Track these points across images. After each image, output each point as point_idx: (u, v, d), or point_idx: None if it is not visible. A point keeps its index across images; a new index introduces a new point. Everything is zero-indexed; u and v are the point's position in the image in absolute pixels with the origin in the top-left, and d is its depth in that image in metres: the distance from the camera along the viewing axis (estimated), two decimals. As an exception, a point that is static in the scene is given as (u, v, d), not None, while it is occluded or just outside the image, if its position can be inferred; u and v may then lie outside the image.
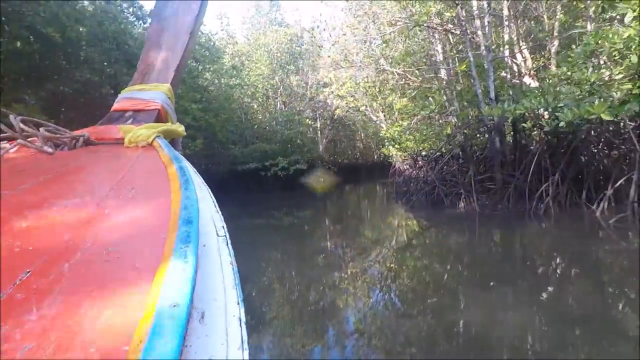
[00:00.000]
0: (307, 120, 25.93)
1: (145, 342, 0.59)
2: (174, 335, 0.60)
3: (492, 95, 10.44)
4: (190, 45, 3.37)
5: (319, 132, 29.39)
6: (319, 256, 8.19)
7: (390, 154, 23.87)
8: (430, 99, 12.04)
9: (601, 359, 3.42)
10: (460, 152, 12.95)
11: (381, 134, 31.01)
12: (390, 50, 15.48)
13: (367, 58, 16.47)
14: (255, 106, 28.28)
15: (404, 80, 16.33)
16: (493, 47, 11.64)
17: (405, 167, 21.93)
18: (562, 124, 7.63)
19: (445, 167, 13.34)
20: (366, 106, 24.18)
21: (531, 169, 10.85)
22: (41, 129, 2.11)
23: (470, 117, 12.29)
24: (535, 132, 12.76)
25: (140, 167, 1.82)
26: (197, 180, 1.57)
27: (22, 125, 2.05)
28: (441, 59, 15.20)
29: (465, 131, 12.50)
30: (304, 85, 27.77)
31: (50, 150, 1.97)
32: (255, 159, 25.03)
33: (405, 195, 15.07)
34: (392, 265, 7.33)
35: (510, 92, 10.10)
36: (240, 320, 0.82)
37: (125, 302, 0.74)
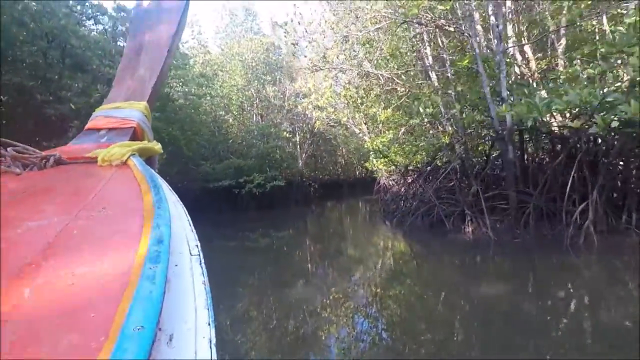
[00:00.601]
0: (285, 133, 23.53)
1: None
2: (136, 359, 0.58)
3: (504, 93, 8.29)
4: (167, 62, 3.27)
5: (298, 146, 27.02)
6: (298, 281, 7.32)
7: (375, 169, 21.64)
8: (422, 104, 9.84)
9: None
10: (458, 166, 10.76)
11: (365, 147, 29.02)
12: (374, 50, 13.34)
13: (349, 60, 14.26)
14: (231, 120, 25.83)
15: (390, 85, 14.18)
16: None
17: (391, 182, 19.70)
18: (614, 123, 5.45)
19: (441, 183, 11.09)
20: (348, 118, 22.00)
21: (546, 185, 8.75)
22: (9, 149, 2.06)
23: (474, 122, 10.14)
24: (545, 141, 10.72)
25: (113, 186, 1.76)
26: (172, 199, 1.53)
27: None
28: (431, 61, 13.15)
29: (465, 140, 10.33)
30: (281, 96, 25.48)
31: (18, 170, 1.93)
32: (229, 175, 22.47)
33: (395, 216, 12.76)
34: (391, 316, 4.99)
35: (525, 91, 7.95)
36: (210, 342, 0.78)
37: (88, 327, 0.71)
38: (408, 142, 13.41)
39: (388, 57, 12.95)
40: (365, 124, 21.29)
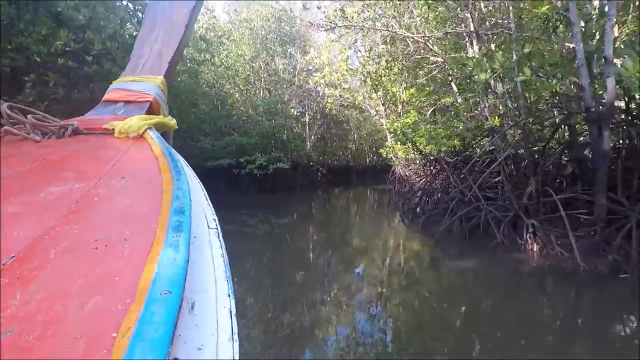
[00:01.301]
0: (293, 111, 20.66)
1: (134, 329, 0.56)
2: (165, 322, 0.57)
3: (609, 51, 5.39)
4: (185, 38, 3.22)
5: (307, 127, 24.20)
6: (296, 273, 6.40)
7: (391, 156, 18.84)
8: (476, 67, 6.96)
9: None
10: (511, 155, 7.95)
11: (381, 131, 26.12)
12: (406, 9, 10.44)
13: (373, 19, 11.33)
14: (237, 95, 23.04)
15: (421, 53, 11.29)
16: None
17: (408, 173, 16.92)
18: None
19: (483, 177, 8.29)
20: (364, 97, 19.10)
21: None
22: (29, 116, 2.05)
23: (543, 97, 7.28)
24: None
25: (131, 157, 1.72)
26: (189, 173, 1.50)
27: (8, 112, 2.01)
28: (475, 26, 10.21)
29: (525, 122, 7.50)
30: (292, 70, 22.54)
31: (37, 137, 1.94)
32: (229, 154, 19.83)
33: (418, 215, 10.04)
34: None
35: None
36: (230, 312, 0.77)
37: (114, 288, 0.70)
38: (440, 124, 10.59)
39: (423, 16, 10.06)
40: (383, 104, 18.39)
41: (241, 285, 5.70)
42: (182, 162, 1.58)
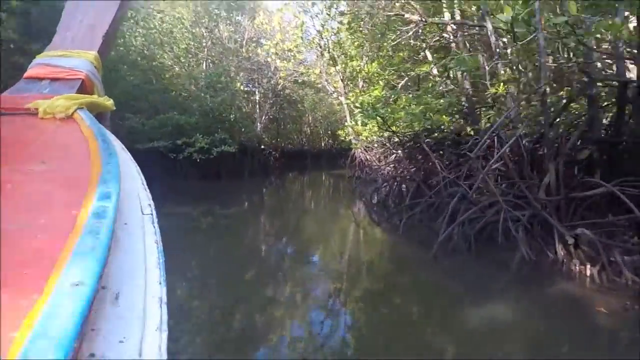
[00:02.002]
0: (240, 85, 17.62)
1: (36, 325, 0.51)
2: (72, 316, 0.52)
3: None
4: (123, 8, 2.76)
5: (258, 107, 21.31)
6: (246, 270, 5.30)
7: (349, 139, 16.60)
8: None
9: None
10: (522, 137, 5.89)
11: (342, 109, 23.85)
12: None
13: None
14: (177, 68, 19.60)
15: (393, 9, 8.94)
16: None
17: (370, 157, 14.77)
18: None
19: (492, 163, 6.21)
20: (321, 72, 16.61)
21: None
22: None
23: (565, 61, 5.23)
24: None
25: (56, 139, 1.53)
26: (124, 156, 1.40)
27: None
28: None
29: (545, 90, 5.43)
30: (239, 39, 19.39)
31: None
32: (165, 135, 16.65)
33: (389, 209, 7.87)
34: None
35: None
36: (160, 301, 0.71)
37: (20, 284, 0.63)
38: (415, 99, 8.36)
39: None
40: (342, 80, 16.01)
41: (181, 287, 4.60)
42: (117, 144, 1.43)
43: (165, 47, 18.40)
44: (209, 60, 18.63)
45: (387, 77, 10.19)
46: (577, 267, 4.30)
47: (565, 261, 4.42)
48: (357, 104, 7.78)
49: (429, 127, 7.21)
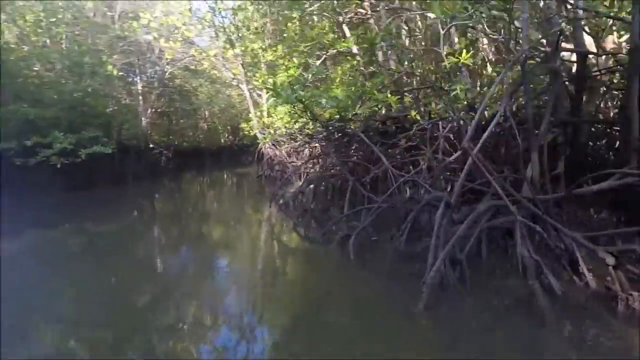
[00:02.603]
0: (112, 69, 13.95)
1: None
2: None
3: None
4: None
5: (141, 98, 17.67)
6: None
7: (253, 133, 14.35)
8: None
9: None
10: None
11: (241, 101, 21.27)
12: None
13: None
14: (26, 49, 14.94)
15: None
16: None
17: (280, 153, 12.75)
18: None
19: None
20: (217, 55, 14.01)
21: None
22: None
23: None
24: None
25: None
26: None
27: None
28: None
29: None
30: (110, 14, 15.51)
31: None
32: (9, 134, 12.44)
33: (320, 219, 6.00)
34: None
35: None
36: None
37: None
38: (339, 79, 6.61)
39: None
40: (242, 65, 13.66)
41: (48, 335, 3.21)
42: None
43: (7, 21, 13.83)
44: (70, 39, 14.52)
45: (300, 55, 8.28)
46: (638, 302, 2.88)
47: (611, 293, 3.00)
48: (268, 86, 5.70)
49: (374, 109, 5.48)
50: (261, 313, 3.62)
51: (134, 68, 16.99)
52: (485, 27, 4.43)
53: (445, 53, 4.39)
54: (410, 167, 6.02)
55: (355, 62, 6.53)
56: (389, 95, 5.01)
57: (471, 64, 4.23)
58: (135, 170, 17.00)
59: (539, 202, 3.48)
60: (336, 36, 8.69)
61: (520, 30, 5.22)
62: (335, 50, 7.78)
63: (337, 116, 8.26)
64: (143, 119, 17.82)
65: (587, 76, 4.97)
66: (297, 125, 11.82)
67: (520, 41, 4.75)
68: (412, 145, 6.33)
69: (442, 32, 4.34)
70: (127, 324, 3.40)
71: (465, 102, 4.79)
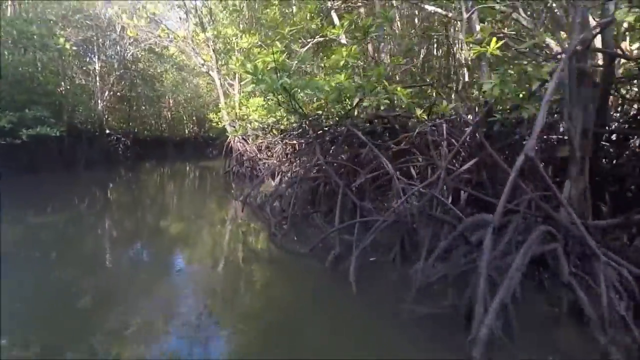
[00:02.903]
0: (65, 42, 12.20)
1: None
2: None
3: None
4: None
5: (98, 79, 15.88)
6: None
7: (223, 125, 13.15)
8: None
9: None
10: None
11: (207, 91, 19.89)
12: None
13: None
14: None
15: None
16: None
17: (250, 148, 11.67)
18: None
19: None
20: (186, 38, 12.69)
21: None
22: None
23: None
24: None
25: None
26: None
27: None
28: None
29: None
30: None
31: None
32: None
33: (304, 232, 5.08)
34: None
35: None
36: None
37: None
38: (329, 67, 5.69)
39: None
40: (214, 51, 12.43)
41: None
42: None
43: None
44: (16, 6, 12.62)
45: (283, 41, 7.31)
46: None
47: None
48: (247, 69, 4.73)
49: (377, 103, 4.62)
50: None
51: (91, 45, 15.21)
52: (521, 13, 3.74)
53: (464, 42, 3.66)
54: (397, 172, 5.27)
55: (345, 52, 5.68)
56: (398, 88, 4.21)
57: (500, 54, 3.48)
58: (88, 156, 15.30)
59: (592, 229, 2.83)
60: (325, 23, 7.82)
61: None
62: (322, 39, 6.89)
63: (320, 112, 7.38)
64: (100, 101, 16.07)
65: (613, 81, 4.42)
66: (271, 120, 10.84)
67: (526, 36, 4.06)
68: (403, 149, 5.57)
69: (464, 15, 3.60)
70: (64, 328, 2.90)
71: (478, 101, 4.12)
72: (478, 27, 3.84)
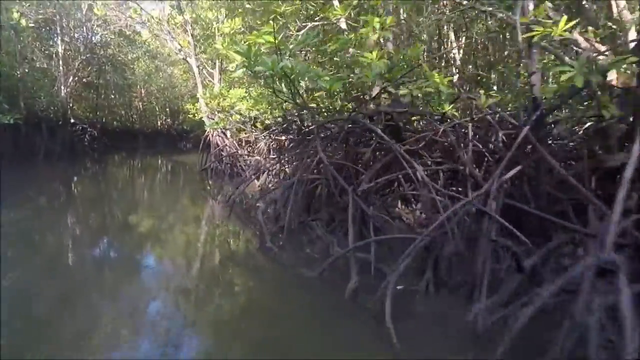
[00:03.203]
0: (15, 15, 10.62)
1: None
2: None
3: None
4: None
5: (61, 63, 14.28)
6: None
7: (200, 117, 12.03)
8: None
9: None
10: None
11: (182, 81, 18.64)
12: None
13: None
14: None
15: None
16: None
17: (230, 143, 10.64)
18: None
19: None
20: (161, 18, 11.46)
21: None
22: None
23: None
24: None
25: None
26: None
27: None
28: None
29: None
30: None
31: None
32: None
33: (312, 256, 4.25)
34: None
35: None
36: None
37: None
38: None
39: None
40: (192, 35, 11.27)
41: None
42: None
43: None
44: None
45: (277, 20, 6.40)
46: None
47: None
48: (239, 50, 3.82)
49: (411, 91, 3.82)
50: None
51: (54, 26, 13.61)
52: None
53: (519, 23, 2.92)
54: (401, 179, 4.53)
55: (378, 23, 4.77)
56: (436, 75, 3.43)
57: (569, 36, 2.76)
58: (49, 147, 13.77)
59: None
60: (326, 5, 6.94)
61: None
62: (321, 23, 6.03)
63: (315, 104, 6.56)
64: (63, 87, 14.49)
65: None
66: (253, 113, 9.87)
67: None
68: (408, 150, 4.79)
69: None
70: (21, 334, 2.52)
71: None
72: (531, 7, 3.10)
